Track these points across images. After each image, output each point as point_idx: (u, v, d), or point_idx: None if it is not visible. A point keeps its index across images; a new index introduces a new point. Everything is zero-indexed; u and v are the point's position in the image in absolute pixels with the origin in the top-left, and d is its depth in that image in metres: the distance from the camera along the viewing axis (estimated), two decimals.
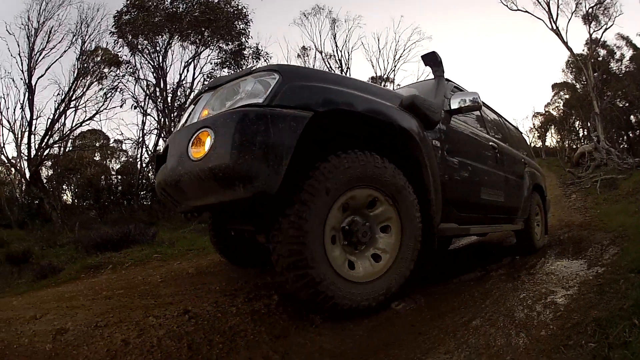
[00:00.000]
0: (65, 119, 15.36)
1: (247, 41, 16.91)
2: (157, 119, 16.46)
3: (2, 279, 8.71)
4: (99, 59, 15.89)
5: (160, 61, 15.86)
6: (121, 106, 15.90)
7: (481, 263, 4.39)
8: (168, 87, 16.05)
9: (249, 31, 16.86)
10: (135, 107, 15.44)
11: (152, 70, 15.95)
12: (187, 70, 16.86)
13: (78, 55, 15.59)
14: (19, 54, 14.61)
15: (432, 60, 3.93)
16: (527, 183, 5.24)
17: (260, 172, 2.01)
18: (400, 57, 24.26)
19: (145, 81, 15.79)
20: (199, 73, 16.88)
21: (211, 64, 16.87)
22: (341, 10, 29.58)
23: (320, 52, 22.72)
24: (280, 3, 33.12)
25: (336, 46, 22.96)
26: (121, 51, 15.84)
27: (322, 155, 2.37)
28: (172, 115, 15.76)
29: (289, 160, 2.06)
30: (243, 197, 2.05)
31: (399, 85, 21.66)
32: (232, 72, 16.10)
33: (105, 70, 15.88)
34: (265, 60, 17.45)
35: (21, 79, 14.46)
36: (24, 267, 8.46)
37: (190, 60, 16.44)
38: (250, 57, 17.11)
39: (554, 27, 24.23)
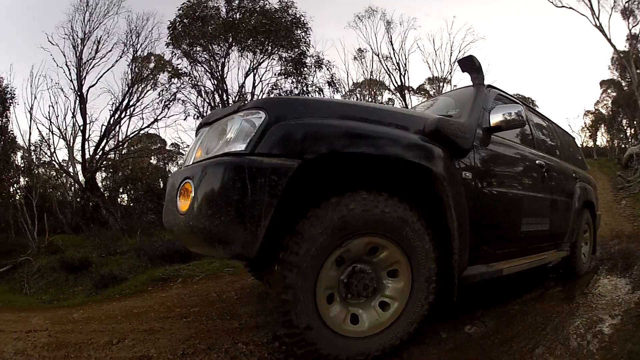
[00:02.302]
0: (119, 126, 15.68)
1: (307, 49, 16.65)
2: None
3: (56, 287, 8.66)
4: (152, 65, 16.16)
5: (219, 70, 15.90)
6: (185, 119, 15.91)
7: (532, 282, 4.46)
8: (228, 96, 16.05)
9: (309, 39, 16.64)
10: (197, 117, 15.45)
11: (211, 78, 16.03)
12: (247, 79, 16.87)
13: (129, 62, 15.94)
14: (66, 64, 14.92)
15: (469, 65, 3.51)
16: (577, 202, 4.67)
17: (237, 235, 1.83)
18: (456, 59, 23.65)
19: (203, 88, 15.82)
20: (259, 81, 16.78)
21: (275, 75, 16.71)
22: (395, 13, 29.49)
23: (378, 55, 22.40)
24: (334, 7, 33.27)
25: (393, 49, 22.65)
26: (180, 63, 16.00)
27: (322, 196, 2.13)
28: None
29: (268, 221, 1.85)
30: (225, 257, 1.93)
31: (455, 86, 20.92)
32: (296, 82, 16.43)
33: (159, 76, 16.09)
34: (327, 69, 17.26)
35: (71, 88, 14.79)
36: (81, 275, 8.39)
37: (250, 70, 16.44)
38: (312, 65, 16.87)
39: (597, 24, 23.17)
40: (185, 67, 15.76)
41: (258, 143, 1.92)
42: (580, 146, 6.81)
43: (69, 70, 14.96)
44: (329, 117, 2.13)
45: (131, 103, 15.32)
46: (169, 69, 16.08)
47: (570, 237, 4.45)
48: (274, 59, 16.54)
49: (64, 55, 15.09)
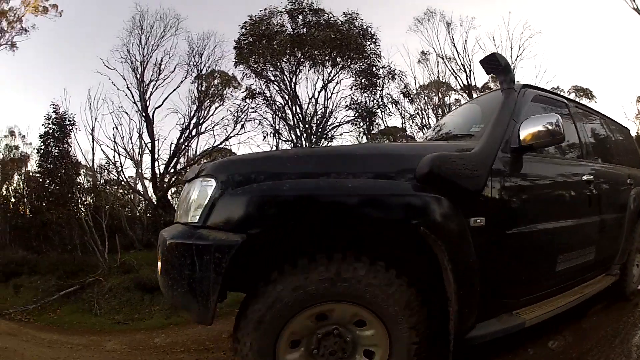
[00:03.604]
0: (189, 144, 15.82)
1: (379, 60, 16.34)
2: (291, 139, 16.38)
3: (130, 306, 8.52)
4: (216, 81, 16.35)
5: (291, 86, 15.88)
6: (263, 139, 16.11)
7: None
8: (303, 112, 15.97)
9: (379, 51, 16.32)
10: (274, 135, 15.34)
11: (283, 95, 16.03)
12: (321, 93, 16.66)
13: (192, 80, 16.15)
14: (127, 87, 15.23)
15: (492, 65, 2.90)
16: (631, 214, 3.92)
17: (192, 306, 1.90)
18: (518, 56, 22.64)
19: (276, 105, 15.84)
20: (331, 94, 16.59)
21: (349, 88, 16.54)
22: (454, 14, 28.94)
23: (442, 57, 21.83)
24: (393, 12, 33.38)
25: (456, 50, 22.06)
26: (254, 83, 16.08)
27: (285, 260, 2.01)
28: (309, 137, 15.75)
29: (217, 295, 1.86)
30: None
31: (490, 87, 19.85)
32: (370, 94, 16.15)
33: (225, 93, 16.34)
34: (400, 79, 16.94)
35: (135, 111, 15.14)
36: (157, 294, 8.01)
37: (324, 85, 16.31)
38: (385, 77, 16.49)
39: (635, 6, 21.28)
40: (259, 87, 15.90)
41: (209, 215, 1.94)
42: (636, 136, 6.09)
43: (131, 92, 15.34)
44: (286, 177, 1.98)
45: (200, 121, 15.50)
46: (242, 89, 16.37)
47: (620, 258, 3.80)
48: (347, 73, 16.41)
49: (124, 79, 15.48)
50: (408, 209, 1.98)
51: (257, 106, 15.79)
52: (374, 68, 16.13)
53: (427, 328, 2.10)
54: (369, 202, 1.95)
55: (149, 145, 14.57)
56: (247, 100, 15.68)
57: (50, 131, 14.74)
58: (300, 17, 15.84)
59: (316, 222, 1.94)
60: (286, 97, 15.85)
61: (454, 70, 21.75)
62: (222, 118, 16.14)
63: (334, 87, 16.44)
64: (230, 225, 1.88)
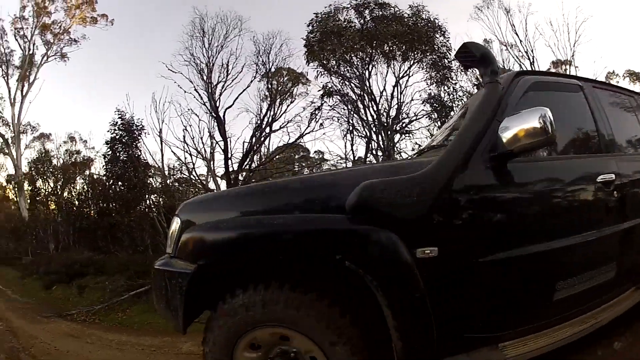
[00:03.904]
0: (261, 143, 15.84)
1: (449, 53, 15.90)
2: (364, 134, 16.18)
3: None
4: (285, 79, 16.31)
5: (365, 82, 15.68)
6: (343, 137, 16.17)
7: None
8: (377, 106, 15.77)
9: (449, 43, 15.97)
10: (350, 132, 15.29)
11: (356, 91, 15.80)
12: (394, 88, 16.37)
13: (259, 79, 16.05)
14: (195, 89, 15.24)
15: (467, 58, 2.44)
16: None
17: (169, 317, 2.33)
18: (576, 41, 21.80)
19: (352, 102, 15.69)
20: (404, 87, 16.29)
21: (426, 83, 16.23)
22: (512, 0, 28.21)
23: (505, 45, 21.34)
24: (454, 1, 33.02)
25: (517, 36, 21.53)
26: (330, 81, 15.98)
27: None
28: (385, 132, 15.56)
29: (183, 312, 2.16)
30: None
31: (577, 67, 19.63)
32: (446, 88, 16.01)
33: (295, 90, 16.37)
34: (472, 71, 16.28)
35: (205, 112, 15.19)
36: None
37: (397, 81, 16.05)
38: (457, 70, 16.04)
39: None
40: (333, 84, 15.80)
41: (176, 248, 2.32)
42: None
43: (199, 94, 15.37)
44: (229, 214, 2.27)
45: (272, 120, 15.46)
46: (313, 86, 16.44)
47: None
48: (419, 67, 16.15)
49: (191, 81, 15.51)
50: (331, 244, 1.96)
51: (335, 104, 15.68)
52: (446, 61, 15.82)
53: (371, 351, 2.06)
54: (292, 238, 2.01)
55: (221, 144, 14.55)
56: (325, 98, 15.58)
57: (117, 137, 14.96)
58: (367, 11, 15.65)
59: (251, 256, 2.11)
60: (360, 92, 15.69)
61: (517, 58, 21.27)
62: (295, 115, 15.77)
63: (406, 82, 16.22)
64: (187, 257, 2.23)
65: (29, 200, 24.47)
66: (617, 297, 2.71)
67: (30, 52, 26.42)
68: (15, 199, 27.55)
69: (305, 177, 3.10)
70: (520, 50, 21.49)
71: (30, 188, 24.09)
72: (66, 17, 27.39)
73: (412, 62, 15.88)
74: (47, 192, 22.77)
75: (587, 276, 2.44)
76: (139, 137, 15.00)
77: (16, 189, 25.02)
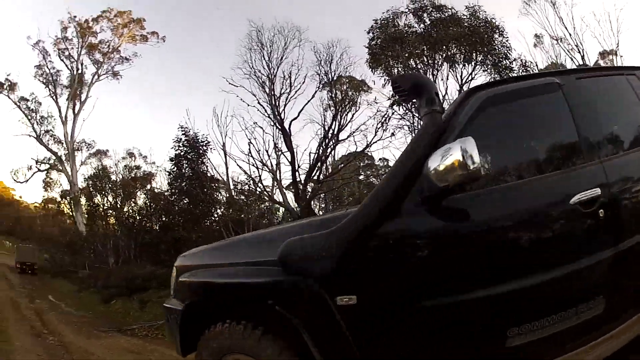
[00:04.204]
0: (328, 154, 15.71)
1: (509, 53, 15.65)
2: None
3: None
4: (345, 87, 16.22)
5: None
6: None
7: None
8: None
9: (509, 43, 15.64)
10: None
11: None
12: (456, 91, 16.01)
13: (320, 88, 16.07)
14: (258, 102, 15.33)
15: (400, 91, 2.28)
16: None
17: (173, 341, 2.90)
18: (618, 30, 21.19)
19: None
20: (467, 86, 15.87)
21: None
22: None
23: (556, 39, 20.91)
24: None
25: (565, 29, 21.12)
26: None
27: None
28: None
29: (179, 339, 2.68)
30: None
31: (622, 57, 18.90)
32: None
33: (358, 99, 16.21)
34: (530, 70, 15.94)
35: (271, 124, 15.19)
36: None
37: (462, 84, 15.71)
38: (518, 69, 15.78)
39: None
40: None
41: (174, 290, 2.88)
42: None
43: (263, 107, 15.43)
44: (202, 267, 2.70)
45: (336, 130, 15.37)
46: (373, 92, 16.33)
47: None
48: (482, 69, 15.83)
49: (253, 94, 15.64)
50: (266, 292, 2.21)
51: (405, 113, 15.50)
52: (507, 62, 15.49)
53: None
54: (239, 287, 2.37)
55: (287, 155, 14.53)
56: (394, 107, 15.38)
57: (182, 153, 15.10)
58: (425, 15, 15.51)
59: (216, 299, 2.59)
60: None
61: (568, 52, 20.80)
62: (361, 125, 15.57)
63: (466, 82, 15.88)
64: (179, 298, 2.73)
65: (85, 215, 25.13)
66: (612, 332, 2.25)
67: (79, 71, 27.29)
68: (70, 214, 28.68)
69: (260, 233, 3.17)
70: (569, 44, 21.15)
71: (87, 203, 24.76)
72: (114, 36, 28.20)
73: (474, 64, 15.64)
74: (106, 207, 23.29)
75: (560, 317, 2.07)
76: (205, 153, 15.18)
77: (72, 204, 25.73)
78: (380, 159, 22.36)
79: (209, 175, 15.18)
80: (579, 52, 20.09)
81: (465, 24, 15.21)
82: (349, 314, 1.94)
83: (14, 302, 13.77)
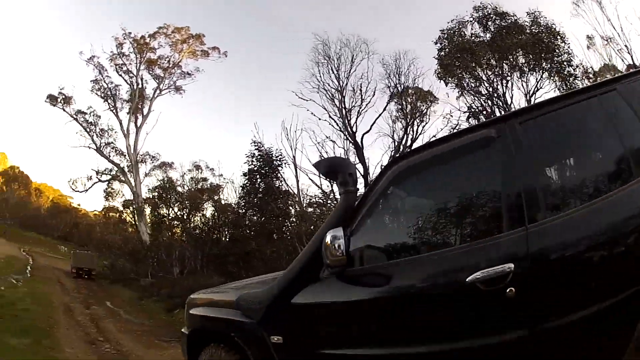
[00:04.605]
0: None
1: (572, 59, 15.42)
2: None
3: None
4: (411, 98, 16.36)
5: (500, 97, 15.45)
6: None
7: None
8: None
9: (570, 49, 15.42)
10: None
11: (494, 107, 15.56)
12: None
13: (388, 100, 16.34)
14: (329, 116, 15.90)
15: (320, 173, 2.84)
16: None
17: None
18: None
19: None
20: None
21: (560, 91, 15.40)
22: None
23: (606, 40, 20.31)
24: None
25: (614, 28, 20.46)
26: (474, 101, 15.92)
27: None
28: None
29: (187, 357, 3.51)
30: None
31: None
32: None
33: (428, 110, 16.34)
34: (595, 78, 15.48)
35: (345, 138, 15.64)
36: None
37: (532, 93, 15.61)
38: (581, 76, 15.54)
39: None
40: (476, 104, 15.71)
41: (185, 319, 3.68)
42: None
43: (335, 120, 15.87)
44: (202, 303, 3.52)
45: (411, 141, 15.61)
46: (424, 93, 16.33)
47: None
48: (550, 77, 15.63)
49: (324, 108, 16.17)
50: (230, 327, 2.97)
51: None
52: (570, 69, 15.25)
53: None
54: (217, 320, 3.20)
55: (360, 169, 14.83)
56: (469, 120, 15.49)
57: (256, 168, 15.48)
58: (490, 23, 15.51)
59: (203, 329, 3.41)
60: (497, 108, 15.47)
61: (618, 52, 20.23)
62: (432, 137, 15.48)
63: (533, 92, 15.72)
64: (188, 325, 3.50)
65: (149, 225, 25.95)
66: None
67: (139, 86, 28.23)
68: (132, 222, 29.76)
69: (242, 281, 4.21)
70: (618, 44, 20.55)
71: (153, 214, 25.54)
72: (173, 51, 29.04)
73: (541, 73, 15.48)
74: (171, 218, 23.93)
75: None
76: (278, 168, 15.58)
77: (136, 213, 26.56)
78: None
79: (282, 189, 15.49)
80: (628, 52, 19.51)
81: (528, 32, 15.16)
82: (278, 350, 2.54)
83: (68, 307, 13.37)
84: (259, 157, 15.62)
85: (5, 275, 17.63)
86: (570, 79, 15.27)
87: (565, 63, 15.32)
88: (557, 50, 15.26)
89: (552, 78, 15.51)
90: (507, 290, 1.80)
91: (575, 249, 1.85)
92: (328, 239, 2.21)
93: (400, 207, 2.58)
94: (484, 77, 15.31)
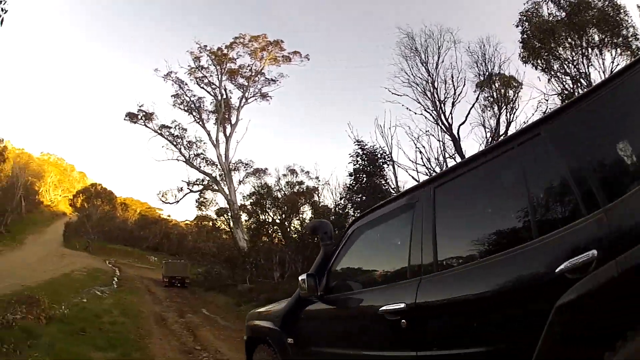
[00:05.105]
0: None
1: (637, 33, 14.83)
2: None
3: None
4: (501, 85, 16.34)
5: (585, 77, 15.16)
6: None
7: None
8: None
9: (634, 22, 14.90)
10: None
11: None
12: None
13: (474, 89, 16.49)
14: (425, 109, 16.27)
15: (310, 231, 4.71)
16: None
17: None
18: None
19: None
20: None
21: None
22: None
23: None
24: None
25: None
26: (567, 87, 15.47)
27: None
28: None
29: (246, 358, 4.58)
30: None
31: None
32: None
33: (515, 96, 16.27)
34: None
35: (443, 131, 15.90)
36: None
37: (610, 69, 15.04)
38: None
39: None
40: (564, 88, 15.31)
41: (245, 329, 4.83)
42: None
43: (430, 114, 16.18)
44: (255, 317, 4.67)
45: (506, 129, 15.54)
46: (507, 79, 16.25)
47: None
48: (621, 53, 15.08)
49: (419, 102, 16.46)
50: (267, 332, 4.14)
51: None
52: (638, 43, 14.68)
53: None
54: (260, 328, 4.33)
55: (458, 161, 14.44)
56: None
57: (361, 167, 15.60)
58: (562, 1, 15.21)
59: (256, 334, 4.43)
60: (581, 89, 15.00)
61: None
62: (523, 123, 15.37)
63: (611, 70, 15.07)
64: (247, 334, 4.64)
65: (245, 231, 26.75)
66: None
67: (224, 96, 29.59)
68: (227, 230, 30.79)
69: (283, 300, 4.57)
70: None
71: (251, 219, 26.27)
72: (253, 60, 30.12)
73: (616, 48, 14.97)
74: (269, 223, 24.56)
75: None
76: (384, 166, 15.63)
77: (231, 221, 27.49)
78: None
79: (384, 188, 15.46)
80: None
81: (594, 8, 14.82)
82: (291, 348, 3.66)
83: (160, 316, 13.68)
84: (363, 156, 15.67)
85: (89, 287, 18.23)
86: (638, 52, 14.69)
87: (631, 37, 14.84)
88: (622, 25, 14.77)
89: (623, 54, 14.97)
90: (402, 322, 2.51)
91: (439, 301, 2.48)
92: (301, 279, 3.46)
93: (355, 254, 3.49)
94: (567, 57, 15.03)
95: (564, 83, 15.27)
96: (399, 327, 2.53)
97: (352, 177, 15.77)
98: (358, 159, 15.61)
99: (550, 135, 2.06)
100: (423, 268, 2.57)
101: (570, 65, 15.14)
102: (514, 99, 15.96)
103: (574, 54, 15.24)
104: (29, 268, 23.55)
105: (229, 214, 28.32)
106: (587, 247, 1.74)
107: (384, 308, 2.65)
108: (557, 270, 1.80)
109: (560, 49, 15.20)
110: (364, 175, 15.47)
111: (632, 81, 1.80)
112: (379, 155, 15.64)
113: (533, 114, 15.35)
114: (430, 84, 16.22)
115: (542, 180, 2.17)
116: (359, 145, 15.76)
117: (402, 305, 2.52)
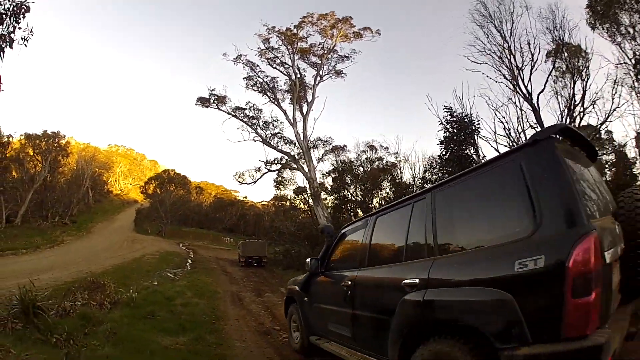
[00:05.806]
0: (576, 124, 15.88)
1: None
2: None
3: None
4: (565, 54, 15.98)
5: None
6: None
7: None
8: None
9: None
10: None
11: None
12: None
13: (545, 59, 16.03)
14: (504, 77, 16.27)
15: (320, 232, 8.51)
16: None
17: None
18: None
19: None
20: None
21: None
22: None
23: None
24: None
25: None
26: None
27: None
28: None
29: (285, 308, 7.72)
30: None
31: None
32: None
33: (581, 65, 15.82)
34: None
35: (522, 100, 15.75)
36: None
37: None
38: None
39: None
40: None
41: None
42: None
43: (510, 82, 16.16)
44: (291, 283, 7.66)
45: (582, 98, 15.26)
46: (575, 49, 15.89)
47: None
48: None
49: (499, 70, 16.48)
50: (294, 293, 7.07)
51: None
52: None
53: None
54: (292, 291, 7.26)
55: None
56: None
57: (450, 135, 15.38)
58: None
59: (290, 296, 7.48)
60: None
61: None
62: (596, 92, 15.13)
63: None
64: (286, 293, 8.20)
65: (327, 208, 27.29)
66: None
67: (298, 75, 30.25)
68: (305, 208, 31.82)
69: (301, 276, 7.13)
70: None
71: (333, 196, 27.00)
72: (324, 38, 30.61)
73: None
74: (350, 200, 24.47)
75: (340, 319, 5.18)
76: (473, 133, 15.35)
77: (312, 199, 28.05)
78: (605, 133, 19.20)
79: (472, 159, 15.14)
80: None
81: None
82: (307, 301, 6.32)
83: (237, 296, 13.51)
84: (453, 123, 15.44)
85: (160, 270, 18.27)
86: None
87: None
88: None
89: None
90: (349, 288, 4.95)
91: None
92: (307, 261, 6.26)
93: (341, 249, 5.89)
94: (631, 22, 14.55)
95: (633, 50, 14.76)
96: (348, 292, 4.80)
97: (443, 147, 15.36)
98: (448, 126, 15.27)
99: (430, 199, 3.69)
100: (363, 262, 4.84)
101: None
102: (584, 68, 15.47)
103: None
104: (97, 255, 24.68)
105: (309, 192, 28.92)
106: (417, 276, 3.42)
107: (344, 283, 4.94)
108: (402, 283, 3.55)
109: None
110: (453, 145, 15.04)
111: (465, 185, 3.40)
112: (467, 122, 15.21)
113: (604, 83, 15.09)
114: (507, 50, 16.18)
115: (417, 226, 3.79)
116: (447, 111, 15.51)
117: (350, 281, 4.83)
